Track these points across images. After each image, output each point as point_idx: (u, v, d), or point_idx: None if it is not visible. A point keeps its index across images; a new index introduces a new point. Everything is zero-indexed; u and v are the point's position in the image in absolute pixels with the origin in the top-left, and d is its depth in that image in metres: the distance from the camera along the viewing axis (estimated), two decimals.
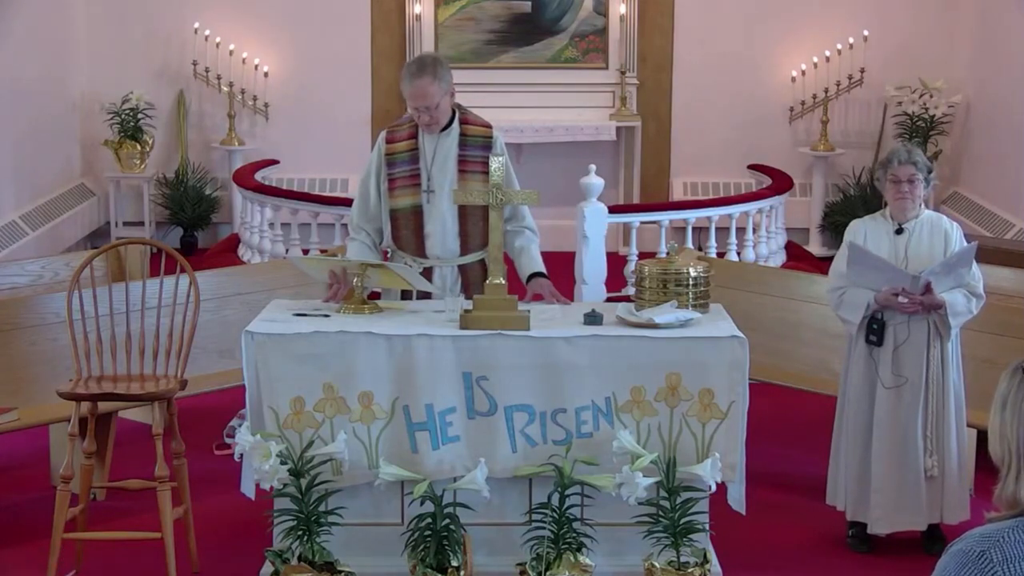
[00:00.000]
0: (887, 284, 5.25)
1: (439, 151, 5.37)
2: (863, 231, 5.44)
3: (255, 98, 11.08)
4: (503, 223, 5.13)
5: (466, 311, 4.96)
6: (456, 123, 5.38)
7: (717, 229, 9.53)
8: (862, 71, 10.93)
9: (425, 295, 5.36)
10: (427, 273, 5.32)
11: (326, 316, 5.08)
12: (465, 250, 5.39)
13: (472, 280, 5.36)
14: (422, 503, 4.76)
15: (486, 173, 5.15)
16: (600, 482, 4.77)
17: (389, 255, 5.50)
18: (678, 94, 11.24)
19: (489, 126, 5.46)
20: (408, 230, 5.37)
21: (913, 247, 5.38)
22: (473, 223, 5.34)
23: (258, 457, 4.70)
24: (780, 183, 10.19)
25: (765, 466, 6.17)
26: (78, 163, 11.06)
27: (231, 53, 10.98)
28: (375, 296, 5.43)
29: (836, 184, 11.21)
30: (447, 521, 4.75)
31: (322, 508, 4.82)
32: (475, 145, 5.37)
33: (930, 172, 5.43)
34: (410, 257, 5.38)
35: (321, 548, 4.81)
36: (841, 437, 5.51)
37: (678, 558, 4.77)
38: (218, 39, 10.97)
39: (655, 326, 4.94)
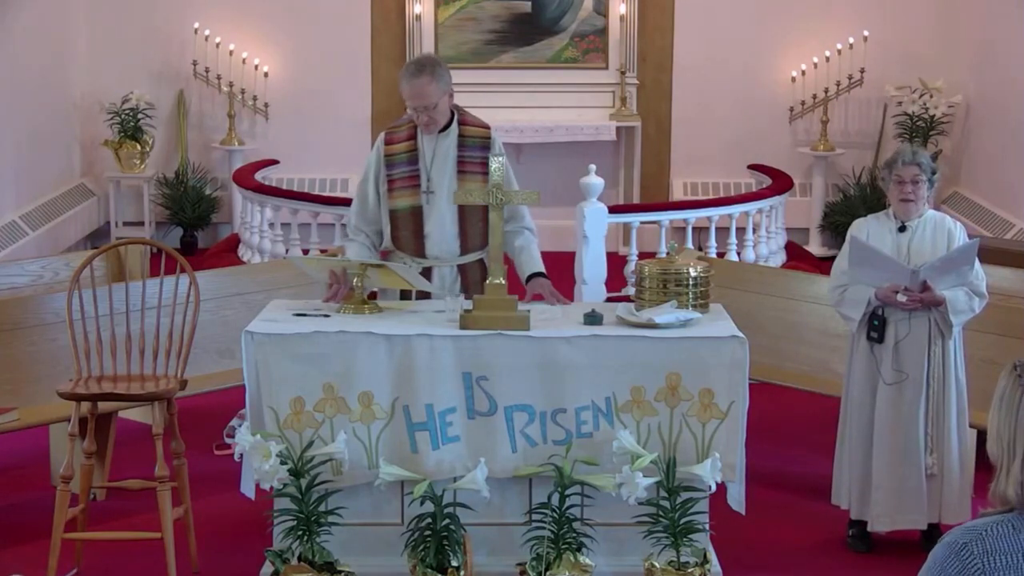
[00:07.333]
0: (888, 281, 5.26)
1: (438, 152, 5.37)
2: (866, 229, 5.44)
3: (255, 98, 11.07)
4: (503, 223, 5.13)
5: (466, 311, 4.95)
6: (455, 124, 5.38)
7: (717, 229, 9.52)
8: (862, 71, 10.92)
9: (425, 295, 5.36)
10: (427, 273, 5.32)
11: (326, 316, 5.08)
12: (465, 250, 5.39)
13: (472, 280, 5.36)
14: (422, 503, 4.75)
15: (485, 174, 5.15)
16: (600, 482, 4.77)
17: (388, 256, 5.50)
18: (678, 94, 11.24)
19: (487, 127, 5.46)
20: (407, 231, 5.37)
21: (916, 245, 5.38)
22: (472, 223, 5.34)
23: (258, 457, 4.70)
24: (780, 183, 10.19)
25: (765, 466, 6.17)
26: (78, 163, 11.06)
27: (231, 53, 10.98)
28: (375, 296, 5.43)
29: (836, 184, 11.21)
30: (447, 521, 4.75)
31: (322, 508, 4.82)
32: (473, 146, 5.37)
33: (934, 173, 5.43)
34: (409, 258, 5.38)
35: (321, 548, 4.81)
36: (845, 436, 5.51)
37: (678, 558, 4.77)
38: (218, 39, 10.97)
39: (655, 326, 4.93)
